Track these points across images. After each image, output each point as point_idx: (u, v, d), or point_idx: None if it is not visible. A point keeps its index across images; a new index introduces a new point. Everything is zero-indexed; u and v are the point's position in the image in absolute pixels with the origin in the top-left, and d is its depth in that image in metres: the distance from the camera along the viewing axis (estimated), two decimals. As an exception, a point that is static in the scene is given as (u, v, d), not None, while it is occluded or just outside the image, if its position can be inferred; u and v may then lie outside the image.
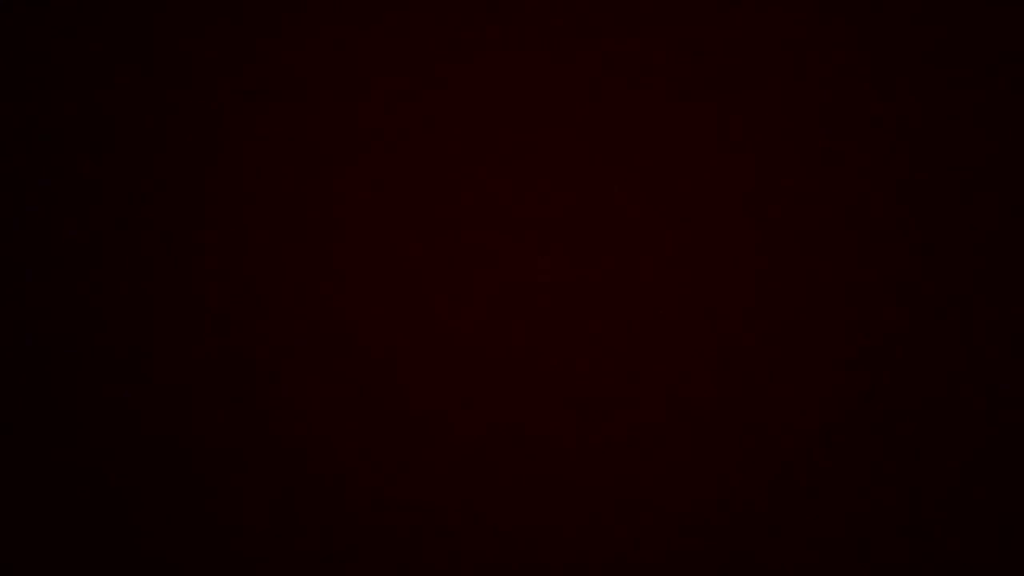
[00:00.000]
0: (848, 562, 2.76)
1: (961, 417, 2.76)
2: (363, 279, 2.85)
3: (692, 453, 2.79)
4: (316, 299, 2.85)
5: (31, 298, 2.88)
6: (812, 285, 2.79)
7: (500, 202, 2.84)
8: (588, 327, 2.81)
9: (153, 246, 2.86)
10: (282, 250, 2.85)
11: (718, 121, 2.81)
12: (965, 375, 2.76)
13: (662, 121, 2.81)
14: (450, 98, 2.84)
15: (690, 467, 2.79)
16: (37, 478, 2.87)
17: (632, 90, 2.82)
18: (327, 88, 2.86)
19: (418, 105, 2.85)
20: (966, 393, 2.76)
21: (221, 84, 2.87)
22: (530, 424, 2.81)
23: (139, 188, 2.87)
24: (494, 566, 2.81)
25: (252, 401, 2.85)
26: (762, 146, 2.80)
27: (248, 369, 2.85)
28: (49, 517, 2.87)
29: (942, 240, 2.78)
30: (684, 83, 2.81)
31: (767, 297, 2.79)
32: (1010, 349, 2.75)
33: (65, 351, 2.87)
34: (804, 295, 2.79)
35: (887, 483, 2.76)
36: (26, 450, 2.87)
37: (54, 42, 2.87)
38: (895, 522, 2.76)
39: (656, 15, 2.81)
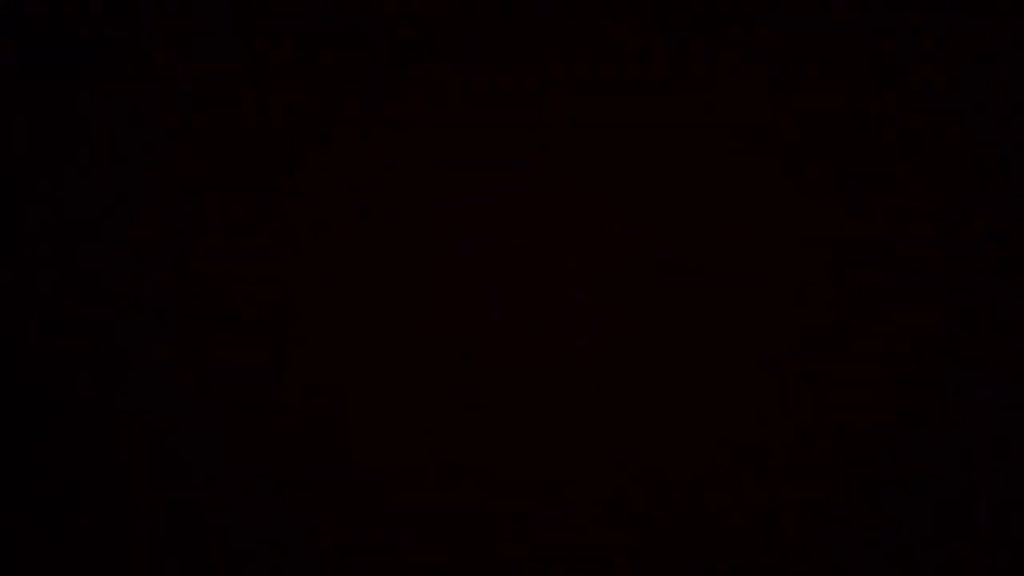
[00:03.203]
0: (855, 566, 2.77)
1: (966, 419, 2.76)
2: (361, 280, 2.85)
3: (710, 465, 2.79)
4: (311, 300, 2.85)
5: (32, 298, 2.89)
6: (832, 292, 2.79)
7: (500, 204, 2.84)
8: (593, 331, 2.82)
9: (146, 247, 2.87)
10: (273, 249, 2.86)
11: (726, 125, 2.81)
12: (970, 377, 2.76)
13: (666, 121, 2.82)
14: (448, 101, 2.84)
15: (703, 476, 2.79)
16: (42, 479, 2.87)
17: (636, 90, 2.82)
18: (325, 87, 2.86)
19: (416, 104, 2.85)
20: (971, 396, 2.76)
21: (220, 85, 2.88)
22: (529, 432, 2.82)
23: (131, 187, 2.88)
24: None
25: (245, 400, 2.85)
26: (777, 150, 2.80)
27: (246, 370, 2.86)
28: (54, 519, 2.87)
29: (953, 241, 2.78)
30: (693, 86, 2.81)
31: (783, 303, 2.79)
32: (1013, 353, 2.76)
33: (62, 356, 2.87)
34: (824, 303, 2.79)
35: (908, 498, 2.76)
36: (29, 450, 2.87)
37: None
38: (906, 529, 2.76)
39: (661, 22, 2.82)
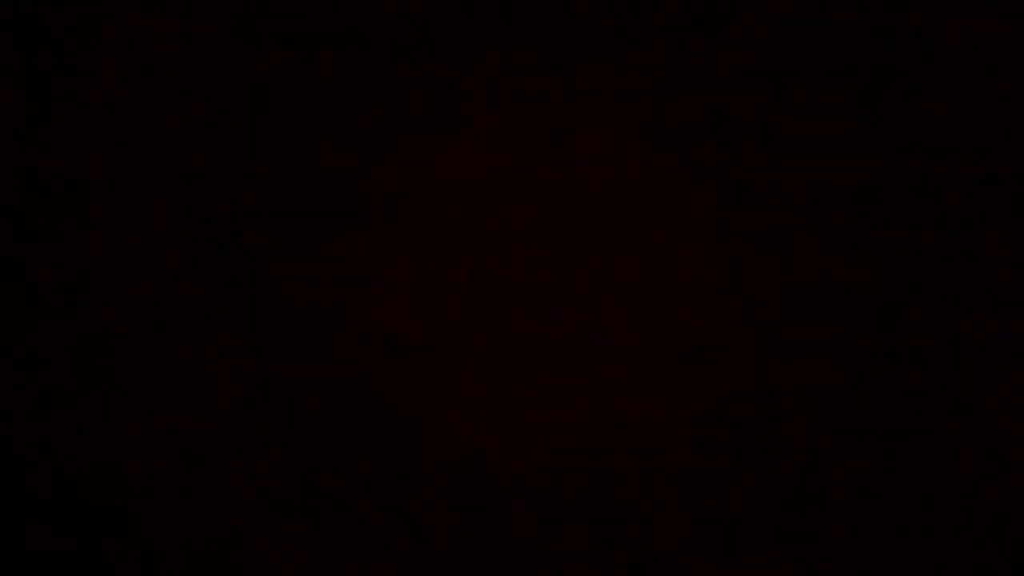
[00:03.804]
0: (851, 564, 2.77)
1: (965, 419, 2.76)
2: (370, 282, 2.85)
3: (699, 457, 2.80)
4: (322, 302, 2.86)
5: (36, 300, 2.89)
6: (818, 286, 2.79)
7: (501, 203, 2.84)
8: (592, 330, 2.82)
9: (156, 250, 2.87)
10: (288, 252, 2.86)
11: (720, 124, 2.81)
12: (969, 377, 2.76)
13: (667, 122, 2.82)
14: (455, 102, 2.85)
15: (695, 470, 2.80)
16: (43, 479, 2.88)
17: (636, 92, 2.82)
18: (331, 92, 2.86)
19: (420, 108, 2.85)
20: (969, 395, 2.76)
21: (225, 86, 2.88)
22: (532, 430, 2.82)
23: (139, 190, 2.88)
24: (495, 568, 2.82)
25: (255, 404, 2.86)
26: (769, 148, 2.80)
27: (251, 372, 2.86)
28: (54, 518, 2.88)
29: (948, 239, 2.78)
30: (690, 85, 2.82)
31: (772, 299, 2.79)
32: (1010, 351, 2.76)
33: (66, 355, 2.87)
34: (810, 296, 2.79)
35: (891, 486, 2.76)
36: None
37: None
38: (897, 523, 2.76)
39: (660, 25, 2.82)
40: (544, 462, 2.81)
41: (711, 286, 2.80)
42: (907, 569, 2.76)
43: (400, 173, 2.85)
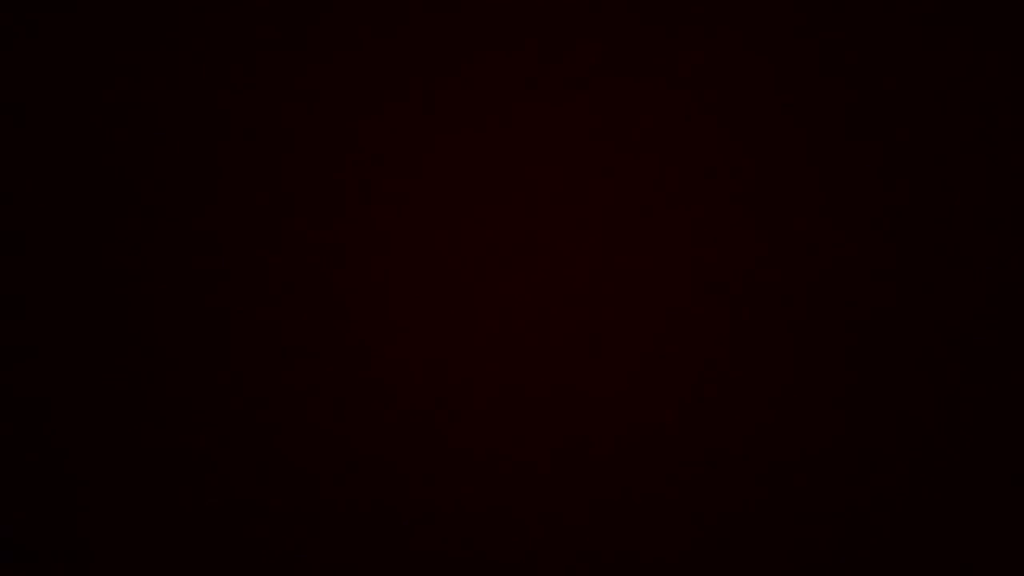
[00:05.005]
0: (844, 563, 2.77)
1: (960, 418, 2.76)
2: (369, 281, 2.85)
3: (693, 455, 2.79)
4: (322, 300, 2.85)
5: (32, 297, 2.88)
6: (810, 285, 2.79)
7: (499, 206, 2.84)
8: (590, 328, 2.82)
9: (161, 247, 2.86)
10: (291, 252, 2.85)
11: (718, 124, 2.81)
12: (965, 376, 2.76)
13: (666, 122, 2.81)
14: (458, 101, 2.84)
15: (688, 468, 2.79)
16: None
17: (637, 92, 2.82)
18: (338, 90, 2.86)
19: (424, 107, 2.85)
20: (966, 394, 2.76)
21: (227, 88, 2.87)
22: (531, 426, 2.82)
23: (146, 189, 2.87)
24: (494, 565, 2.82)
25: (255, 402, 2.85)
26: (760, 148, 2.80)
27: (251, 371, 2.85)
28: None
29: (942, 239, 2.78)
30: (686, 85, 2.81)
31: (766, 299, 2.79)
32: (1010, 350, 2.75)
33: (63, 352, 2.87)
34: (803, 296, 2.79)
35: (885, 486, 2.76)
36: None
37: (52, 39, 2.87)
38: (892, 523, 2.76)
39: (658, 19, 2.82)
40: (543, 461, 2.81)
41: (708, 287, 2.80)
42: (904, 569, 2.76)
43: (400, 172, 2.85)
